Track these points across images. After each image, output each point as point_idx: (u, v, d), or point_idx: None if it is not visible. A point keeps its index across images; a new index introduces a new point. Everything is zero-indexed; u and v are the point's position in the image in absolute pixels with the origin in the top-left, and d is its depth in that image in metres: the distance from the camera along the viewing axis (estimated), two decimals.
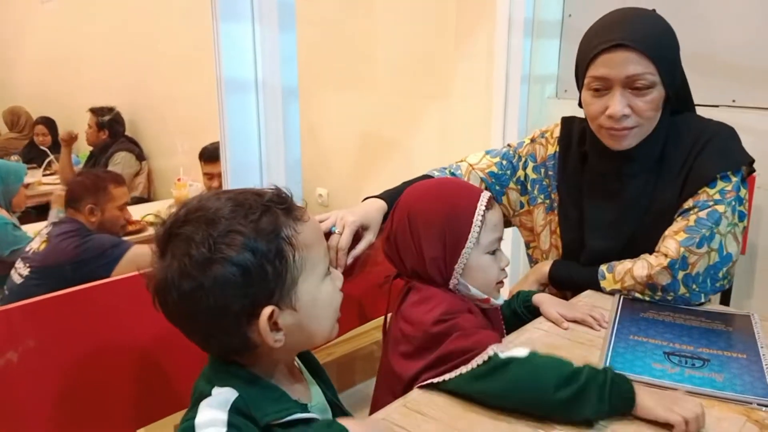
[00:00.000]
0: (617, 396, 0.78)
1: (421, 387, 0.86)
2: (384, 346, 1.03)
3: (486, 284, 0.98)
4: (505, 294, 1.09)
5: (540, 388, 0.78)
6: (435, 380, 0.85)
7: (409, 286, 0.98)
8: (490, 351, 0.82)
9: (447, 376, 0.84)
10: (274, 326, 0.70)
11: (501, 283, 1.01)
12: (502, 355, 0.81)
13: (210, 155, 2.68)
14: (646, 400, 0.78)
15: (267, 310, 0.68)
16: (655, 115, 1.13)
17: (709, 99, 1.74)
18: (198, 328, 0.70)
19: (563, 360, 0.81)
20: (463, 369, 0.82)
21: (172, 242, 0.68)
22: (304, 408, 0.74)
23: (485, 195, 0.97)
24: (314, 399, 0.80)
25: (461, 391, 0.83)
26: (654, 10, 1.15)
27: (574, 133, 1.30)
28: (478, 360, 0.81)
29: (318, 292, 0.74)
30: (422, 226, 0.96)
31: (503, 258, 1.01)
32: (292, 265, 0.70)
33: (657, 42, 1.09)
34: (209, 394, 0.69)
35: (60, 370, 0.92)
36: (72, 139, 3.71)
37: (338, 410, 0.84)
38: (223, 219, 0.67)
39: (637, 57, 1.07)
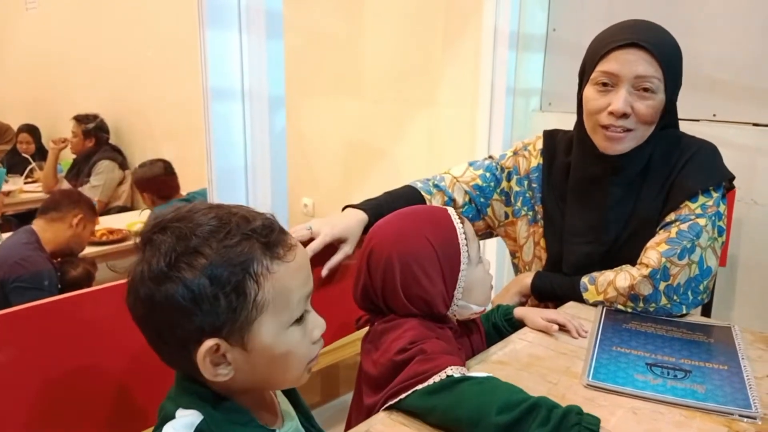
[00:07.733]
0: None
1: (384, 410, 0.83)
2: (360, 363, 1.01)
3: (485, 294, 1.00)
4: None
5: (483, 406, 0.75)
6: (393, 401, 0.82)
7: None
8: (448, 371, 0.80)
9: (404, 395, 0.81)
10: (222, 358, 0.65)
11: (491, 286, 1.03)
12: (458, 375, 0.80)
13: (139, 185, 2.74)
14: None
15: (208, 343, 0.64)
16: (651, 125, 1.15)
17: (690, 113, 1.76)
18: (151, 339, 0.68)
19: (518, 390, 0.78)
20: (419, 387, 0.80)
21: (147, 244, 0.66)
22: None
23: (452, 211, 0.97)
24: (286, 425, 0.77)
25: (414, 409, 0.81)
26: None
27: (559, 145, 1.32)
28: (435, 378, 0.80)
29: (276, 341, 0.67)
30: (417, 267, 0.91)
31: (486, 262, 1.02)
32: (251, 304, 0.64)
33: (668, 50, 1.12)
34: (173, 417, 0.66)
35: (38, 379, 0.90)
36: (64, 144, 3.67)
37: None
38: (195, 237, 0.63)
39: (649, 58, 1.10)
